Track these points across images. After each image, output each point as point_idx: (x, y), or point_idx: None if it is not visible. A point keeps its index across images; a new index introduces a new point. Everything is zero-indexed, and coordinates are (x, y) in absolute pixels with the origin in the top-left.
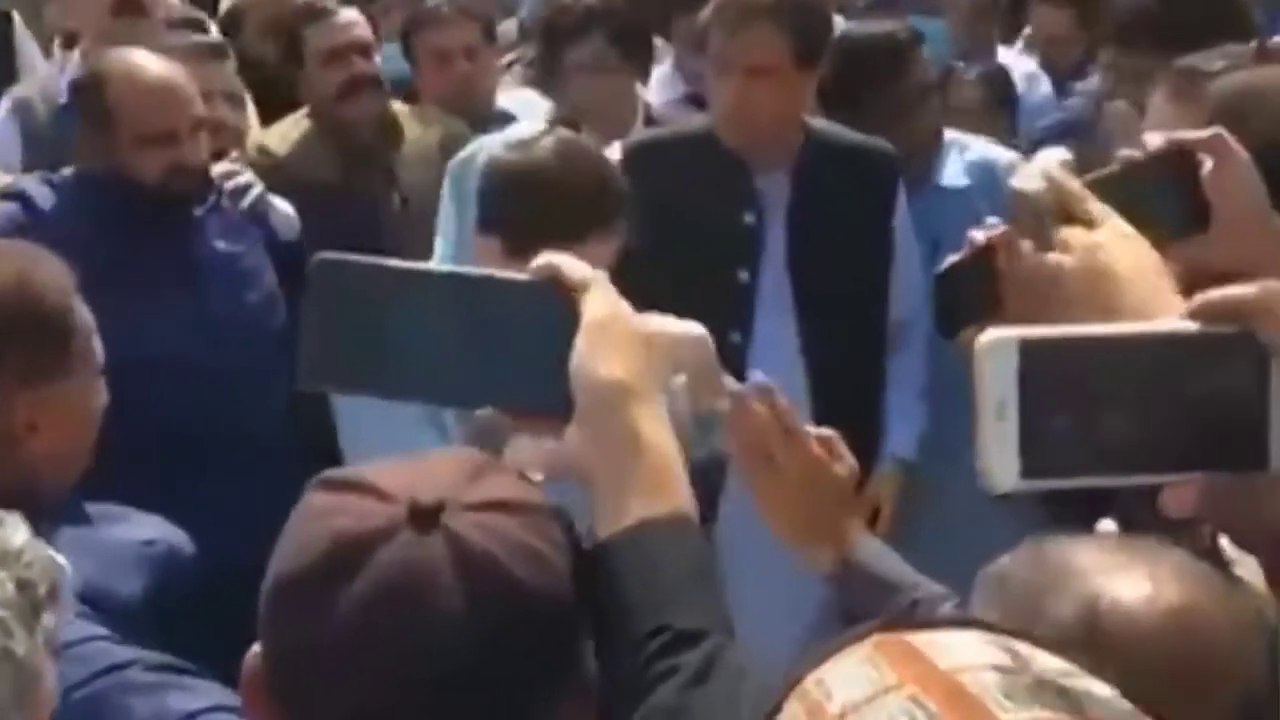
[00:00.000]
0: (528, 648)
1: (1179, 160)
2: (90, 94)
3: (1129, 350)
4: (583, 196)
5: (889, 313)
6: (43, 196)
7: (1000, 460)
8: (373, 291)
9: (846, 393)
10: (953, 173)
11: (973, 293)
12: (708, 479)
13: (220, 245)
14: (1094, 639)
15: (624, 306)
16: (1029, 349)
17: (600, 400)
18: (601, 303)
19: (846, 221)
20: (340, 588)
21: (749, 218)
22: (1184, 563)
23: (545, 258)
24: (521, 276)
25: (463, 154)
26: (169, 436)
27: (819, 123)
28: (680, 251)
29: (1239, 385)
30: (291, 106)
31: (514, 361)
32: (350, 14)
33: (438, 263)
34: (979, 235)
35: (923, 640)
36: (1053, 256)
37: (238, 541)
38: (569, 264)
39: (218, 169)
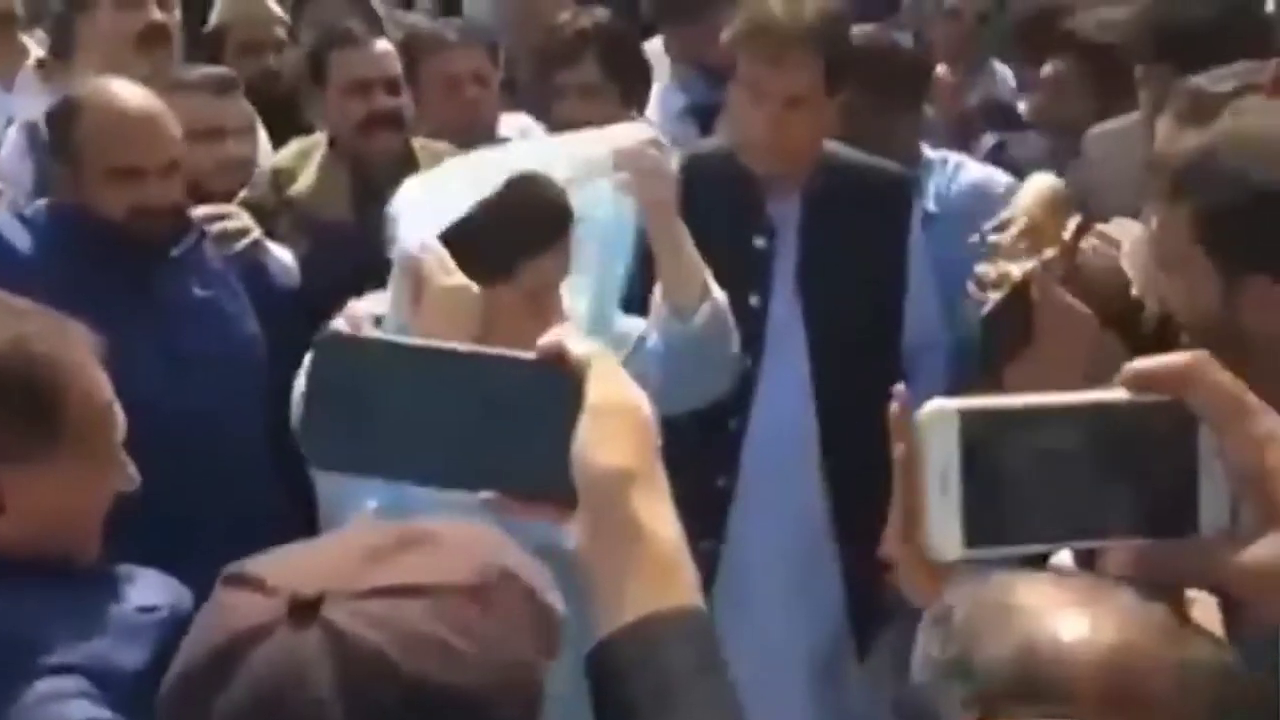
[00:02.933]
0: None
1: None
2: (62, 124)
3: (1064, 420)
4: (523, 223)
5: (902, 339)
6: (12, 230)
7: (944, 530)
8: (375, 370)
9: (858, 418)
10: (941, 196)
11: (1010, 330)
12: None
13: (196, 289)
14: (1029, 678)
15: (629, 386)
16: (969, 420)
17: (600, 490)
18: (606, 384)
19: (858, 245)
20: (217, 692)
21: (760, 241)
22: (1128, 603)
23: (551, 335)
24: (526, 355)
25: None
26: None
27: (829, 144)
28: None
29: (1170, 452)
30: (271, 132)
31: (519, 444)
32: (382, 45)
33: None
34: (1015, 271)
35: None
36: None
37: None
38: (574, 343)
39: (200, 211)
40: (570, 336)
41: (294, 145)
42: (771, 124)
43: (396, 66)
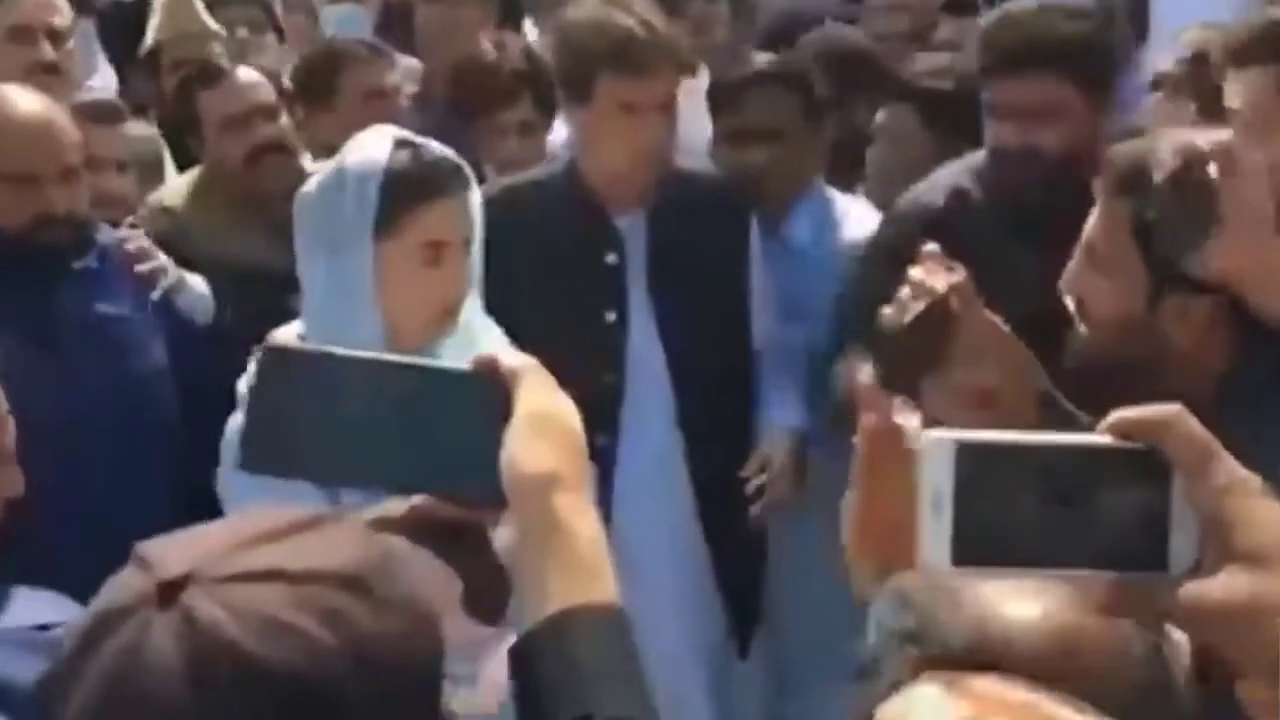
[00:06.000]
0: None
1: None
2: None
3: (1051, 458)
4: (402, 178)
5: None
6: None
7: (934, 548)
8: (314, 378)
9: (720, 423)
10: (809, 225)
11: (930, 341)
12: None
13: (99, 305)
14: (979, 648)
15: (559, 398)
16: (964, 451)
17: (526, 493)
18: (535, 394)
19: (705, 253)
20: (79, 672)
21: (610, 258)
22: (1071, 591)
23: (486, 349)
24: (460, 366)
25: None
26: (15, 512)
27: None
28: (546, 297)
29: (1145, 495)
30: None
31: (451, 450)
32: (249, 75)
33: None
34: (938, 283)
35: (980, 680)
36: None
37: None
38: (506, 355)
39: (121, 235)
40: (504, 350)
41: (179, 183)
42: (653, 133)
43: (269, 94)
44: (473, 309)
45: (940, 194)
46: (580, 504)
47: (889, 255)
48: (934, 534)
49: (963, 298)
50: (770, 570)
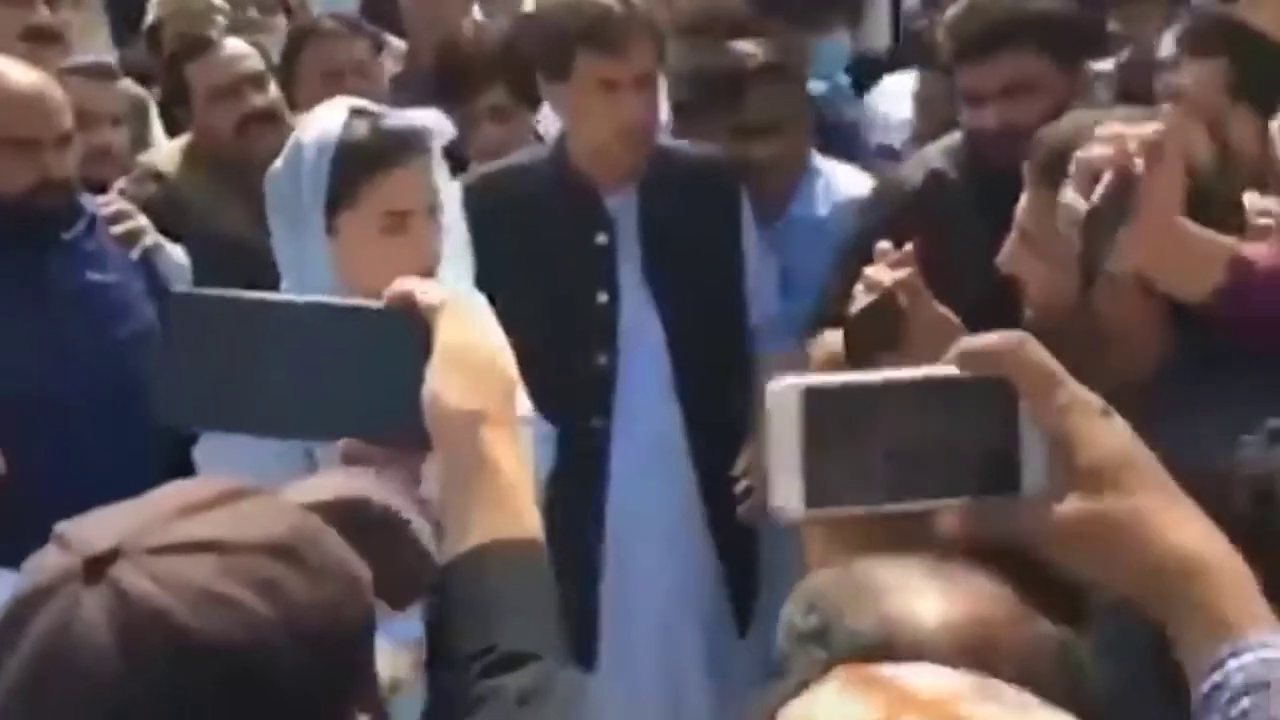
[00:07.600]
0: (206, 706)
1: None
2: None
3: (899, 393)
4: (354, 149)
5: (748, 321)
6: None
7: (787, 492)
8: (227, 324)
9: (717, 402)
10: (808, 201)
11: (881, 329)
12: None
13: (90, 273)
14: (888, 645)
15: (479, 328)
16: (811, 394)
17: (450, 428)
18: (455, 327)
19: (697, 233)
20: (8, 656)
21: (601, 238)
22: (982, 586)
23: (399, 283)
24: (374, 304)
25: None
26: (12, 479)
27: (662, 139)
28: (537, 279)
29: (993, 421)
30: None
31: (370, 390)
32: (236, 46)
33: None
34: (885, 278)
35: (889, 673)
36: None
37: None
38: (422, 288)
39: (102, 200)
40: (419, 283)
41: (170, 148)
42: (637, 108)
43: (257, 64)
44: (451, 278)
45: (917, 177)
46: (505, 438)
47: (861, 245)
48: (785, 481)
49: (910, 291)
50: (769, 546)
